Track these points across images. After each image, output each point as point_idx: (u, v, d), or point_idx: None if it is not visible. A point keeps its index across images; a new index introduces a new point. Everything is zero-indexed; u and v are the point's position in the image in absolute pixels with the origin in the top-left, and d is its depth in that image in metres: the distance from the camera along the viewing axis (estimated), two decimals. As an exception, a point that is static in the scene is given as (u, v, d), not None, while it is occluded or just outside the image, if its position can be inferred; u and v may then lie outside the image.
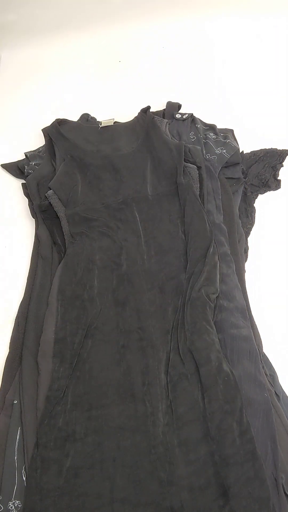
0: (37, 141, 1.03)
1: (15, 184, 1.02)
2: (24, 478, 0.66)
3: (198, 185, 0.88)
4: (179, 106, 1.04)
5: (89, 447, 0.67)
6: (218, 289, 0.77)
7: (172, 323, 0.75)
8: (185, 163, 0.88)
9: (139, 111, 1.01)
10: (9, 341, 0.81)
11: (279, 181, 0.98)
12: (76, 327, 0.75)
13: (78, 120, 1.06)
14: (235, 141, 0.98)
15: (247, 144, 1.00)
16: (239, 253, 0.86)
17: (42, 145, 1.01)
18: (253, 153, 1.00)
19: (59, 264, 0.83)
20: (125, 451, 0.66)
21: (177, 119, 0.99)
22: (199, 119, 1.01)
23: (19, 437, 0.69)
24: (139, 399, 0.70)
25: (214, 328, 0.74)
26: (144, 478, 0.65)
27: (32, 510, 0.63)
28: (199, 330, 0.72)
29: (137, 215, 0.85)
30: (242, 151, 0.99)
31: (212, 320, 0.75)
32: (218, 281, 0.78)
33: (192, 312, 0.74)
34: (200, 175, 0.89)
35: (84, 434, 0.68)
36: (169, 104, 1.04)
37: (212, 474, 0.64)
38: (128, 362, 0.73)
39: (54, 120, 0.99)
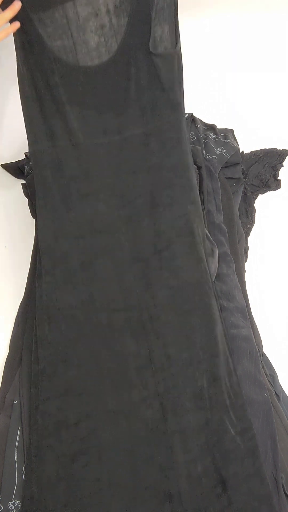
0: (37, 141, 1.03)
1: (15, 184, 1.02)
2: (24, 478, 0.66)
3: (198, 185, 0.88)
4: (179, 106, 1.04)
5: (83, 433, 0.67)
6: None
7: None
8: None
9: None
10: (9, 341, 0.81)
11: (279, 181, 0.98)
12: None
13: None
14: (235, 141, 0.98)
15: (247, 144, 1.00)
16: (239, 253, 0.86)
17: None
18: (253, 153, 1.00)
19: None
20: (120, 436, 0.66)
21: (177, 119, 0.99)
22: (199, 119, 1.01)
23: (19, 437, 0.69)
24: (134, 384, 0.68)
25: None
26: (141, 463, 0.64)
27: (31, 499, 0.63)
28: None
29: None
30: (242, 151, 0.99)
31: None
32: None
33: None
34: (200, 175, 0.89)
35: (76, 420, 0.67)
36: (169, 104, 1.04)
37: (211, 462, 0.64)
38: (122, 345, 0.71)
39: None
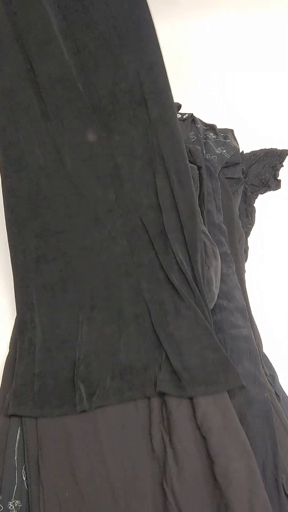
0: (37, 141, 1.03)
1: (15, 184, 1.02)
2: (24, 478, 0.66)
3: (198, 185, 0.88)
4: (179, 106, 1.04)
5: (61, 266, 0.75)
6: None
7: None
8: None
9: None
10: (9, 341, 0.81)
11: (279, 181, 0.98)
12: None
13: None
14: (235, 141, 0.98)
15: (247, 144, 1.00)
16: (239, 253, 0.86)
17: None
18: (253, 153, 1.00)
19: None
20: (94, 269, 0.75)
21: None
22: (199, 119, 1.01)
23: (19, 437, 0.69)
24: (103, 224, 0.74)
25: None
26: (112, 283, 0.74)
27: (21, 321, 0.75)
28: None
29: None
30: (242, 151, 0.99)
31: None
32: None
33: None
34: (200, 175, 0.89)
35: (54, 256, 0.75)
36: (169, 104, 1.04)
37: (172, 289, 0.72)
38: (91, 191, 0.75)
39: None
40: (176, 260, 0.72)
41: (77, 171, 0.75)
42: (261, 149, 1.00)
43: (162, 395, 0.67)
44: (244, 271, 0.86)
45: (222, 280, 0.79)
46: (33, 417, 0.69)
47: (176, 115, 0.74)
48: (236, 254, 0.85)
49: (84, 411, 0.67)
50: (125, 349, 0.72)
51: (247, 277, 0.86)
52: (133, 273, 0.74)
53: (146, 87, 0.71)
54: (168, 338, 0.70)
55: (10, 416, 0.71)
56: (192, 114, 1.00)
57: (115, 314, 0.73)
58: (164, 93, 0.72)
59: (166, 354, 0.70)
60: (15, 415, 0.71)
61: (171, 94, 0.73)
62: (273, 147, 1.00)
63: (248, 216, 0.94)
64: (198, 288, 0.72)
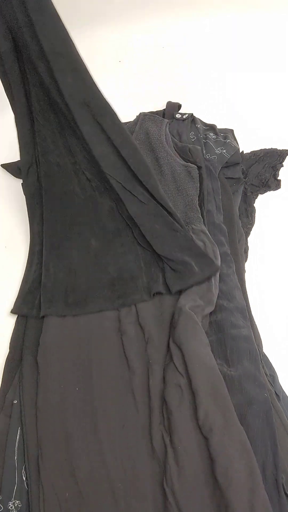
0: (37, 141, 1.03)
1: (15, 184, 1.02)
2: (24, 478, 0.66)
3: (198, 185, 0.88)
4: (179, 106, 1.04)
5: (47, 194, 0.83)
6: None
7: None
8: (186, 163, 0.88)
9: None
10: (9, 341, 0.81)
11: (279, 181, 0.98)
12: None
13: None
14: (235, 141, 0.98)
15: (247, 144, 1.00)
16: (239, 253, 0.86)
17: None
18: (253, 153, 1.00)
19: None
20: (70, 192, 0.81)
21: (177, 119, 0.99)
22: (199, 119, 1.01)
23: (19, 437, 0.69)
24: (71, 152, 0.79)
25: None
26: (94, 209, 0.81)
27: (32, 250, 0.86)
28: None
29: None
30: (242, 151, 0.99)
31: None
32: None
33: None
34: (200, 175, 0.89)
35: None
36: (169, 104, 1.04)
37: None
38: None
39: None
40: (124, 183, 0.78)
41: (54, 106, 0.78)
42: (261, 149, 1.00)
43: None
44: (244, 271, 0.86)
45: (222, 280, 0.79)
46: (33, 317, 0.80)
47: (75, 48, 0.74)
48: (236, 254, 0.85)
49: (77, 315, 0.77)
50: (113, 262, 0.79)
51: (247, 277, 0.86)
52: (106, 195, 0.80)
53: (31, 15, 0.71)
54: (152, 245, 0.78)
55: (11, 312, 0.83)
56: (192, 114, 1.00)
57: (99, 229, 0.81)
58: (50, 23, 0.72)
59: (151, 263, 0.78)
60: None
61: (61, 25, 0.73)
62: (273, 147, 1.00)
63: (248, 216, 0.94)
64: (161, 198, 0.78)
